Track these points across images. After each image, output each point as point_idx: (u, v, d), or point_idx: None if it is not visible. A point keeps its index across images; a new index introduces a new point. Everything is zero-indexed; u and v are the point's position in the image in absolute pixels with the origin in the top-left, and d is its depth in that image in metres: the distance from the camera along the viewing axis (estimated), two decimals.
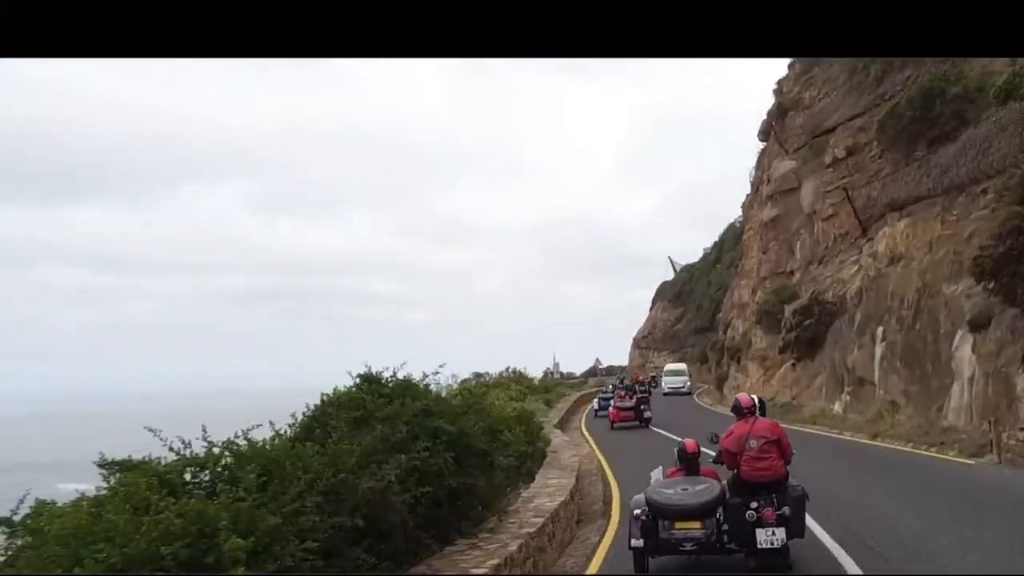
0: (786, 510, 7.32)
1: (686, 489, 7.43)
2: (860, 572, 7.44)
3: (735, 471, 7.73)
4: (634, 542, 7.40)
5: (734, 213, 66.48)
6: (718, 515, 7.42)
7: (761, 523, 7.23)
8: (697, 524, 7.29)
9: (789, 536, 7.34)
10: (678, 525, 7.31)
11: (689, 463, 7.89)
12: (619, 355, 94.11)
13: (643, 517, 7.36)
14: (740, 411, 7.97)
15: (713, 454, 8.42)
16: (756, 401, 8.31)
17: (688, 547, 7.36)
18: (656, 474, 8.24)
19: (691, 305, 75.98)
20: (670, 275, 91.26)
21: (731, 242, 65.41)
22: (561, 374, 75.67)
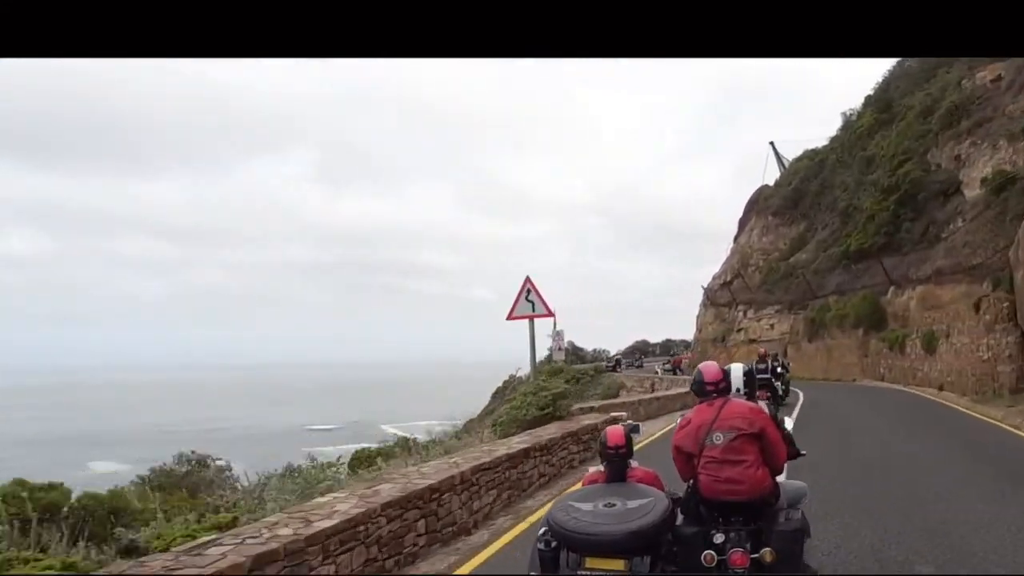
0: (767, 553, 4.53)
1: (612, 505, 4.66)
2: None
3: (690, 482, 5.01)
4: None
5: None
6: (662, 550, 4.64)
7: (724, 570, 4.57)
8: (620, 564, 4.48)
9: None
10: (589, 564, 4.52)
11: (612, 463, 5.07)
12: (687, 328, 64.50)
13: (541, 544, 4.70)
14: (702, 389, 5.08)
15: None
16: (741, 373, 5.67)
17: None
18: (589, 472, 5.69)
19: (821, 216, 44.59)
20: (773, 175, 58.38)
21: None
22: (576, 355, 58.23)
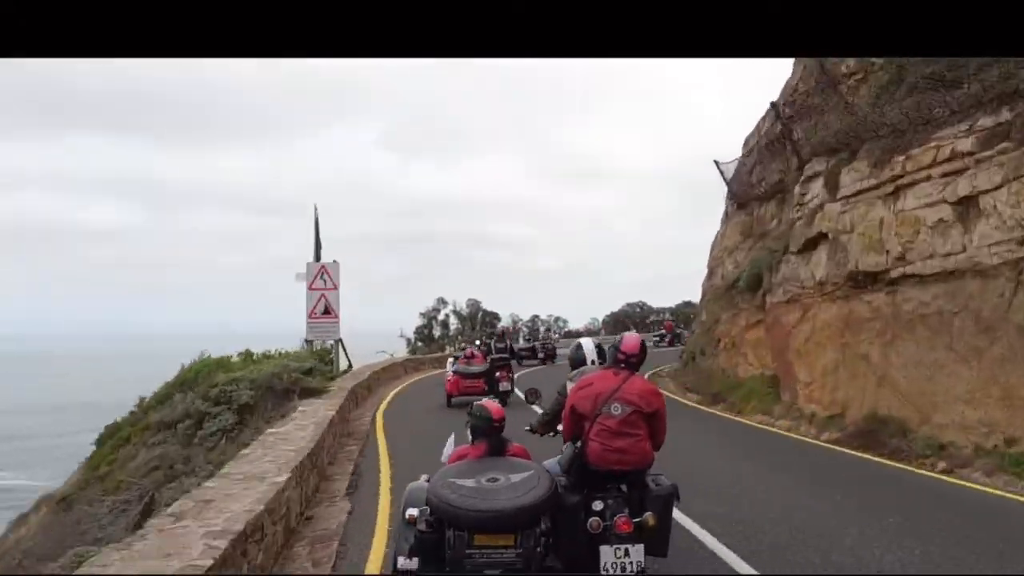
0: (650, 516, 4.66)
1: (495, 480, 4.56)
2: None
3: (575, 447, 5.05)
4: (403, 561, 4.61)
5: None
6: (544, 522, 4.59)
7: (608, 536, 4.62)
8: (509, 539, 4.40)
9: (649, 555, 4.76)
10: (478, 540, 4.40)
11: (492, 437, 5.03)
12: None
13: (422, 525, 4.49)
14: (614, 358, 5.14)
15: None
16: (593, 346, 5.78)
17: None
18: (447, 449, 5.47)
19: None
20: None
21: None
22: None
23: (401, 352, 40.51)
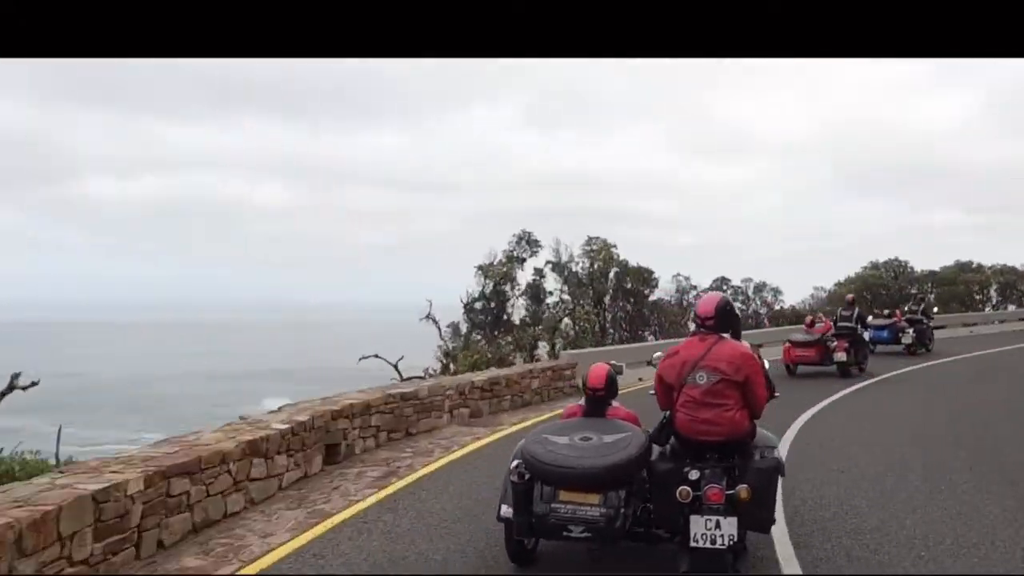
0: (743, 489, 4.42)
1: (588, 439, 4.74)
2: None
3: (666, 417, 4.88)
4: (504, 509, 4.84)
5: None
6: (635, 486, 4.70)
7: (699, 506, 4.46)
8: (594, 498, 4.54)
9: (745, 530, 4.61)
10: (563, 496, 4.59)
11: (592, 403, 5.21)
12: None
13: (515, 476, 4.74)
14: (697, 322, 4.93)
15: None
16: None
17: (577, 532, 4.55)
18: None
19: None
20: None
21: None
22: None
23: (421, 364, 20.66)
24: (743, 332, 5.46)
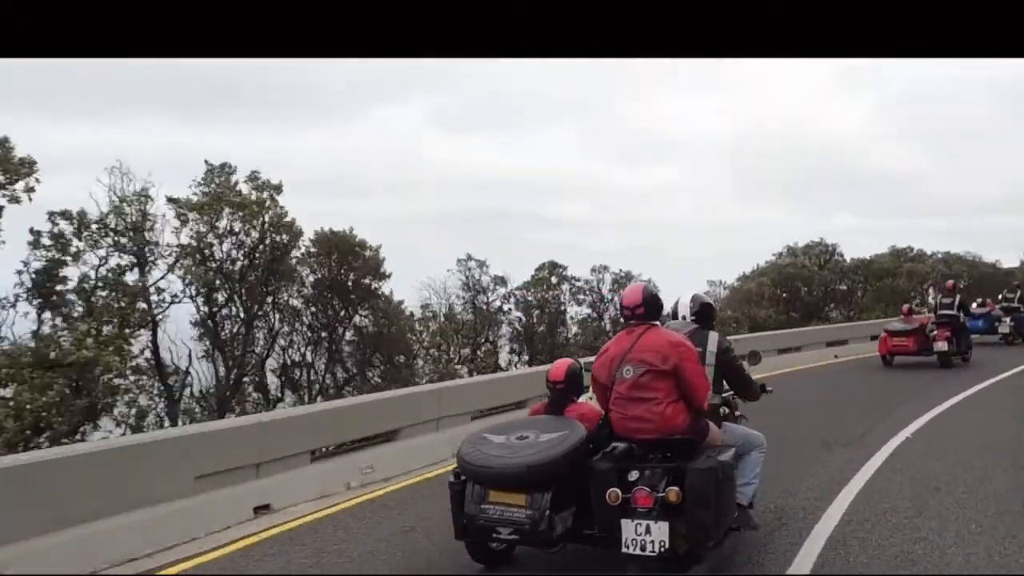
0: (671, 491, 4.07)
1: (524, 437, 4.51)
2: None
3: (603, 417, 4.65)
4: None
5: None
6: (568, 486, 4.38)
7: (628, 510, 4.13)
8: (521, 499, 4.32)
9: (680, 537, 4.09)
10: (492, 496, 4.41)
11: (552, 398, 5.05)
12: None
13: (451, 476, 4.70)
14: (622, 313, 4.63)
15: None
16: (689, 300, 5.04)
17: (505, 535, 4.38)
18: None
19: None
20: None
21: None
22: None
23: None
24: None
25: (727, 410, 5.21)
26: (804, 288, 29.53)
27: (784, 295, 28.47)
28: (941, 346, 15.02)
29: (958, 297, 16.34)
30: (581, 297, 25.89)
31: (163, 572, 5.12)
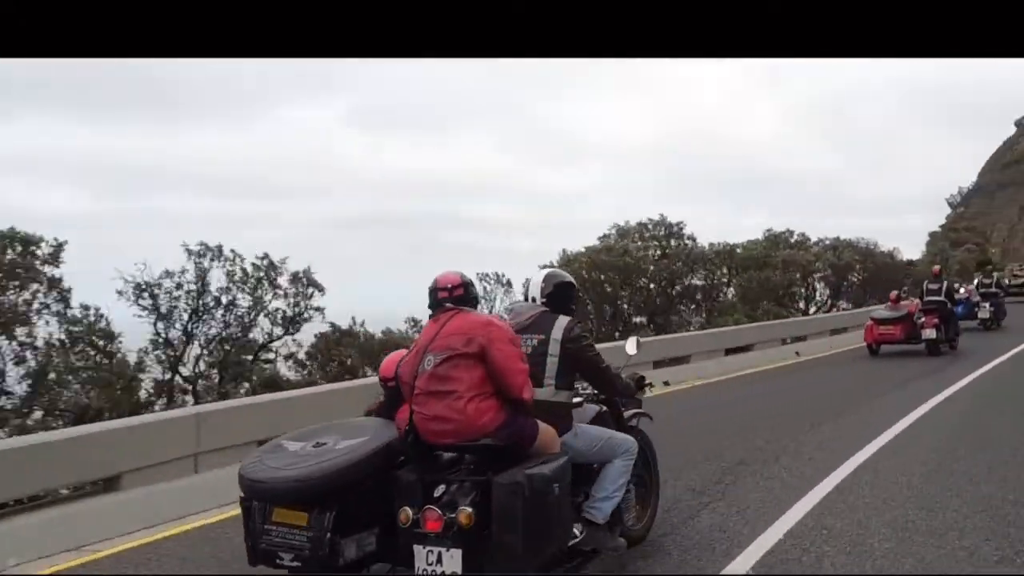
0: (462, 513, 3.31)
1: (321, 444, 3.72)
2: None
3: (411, 419, 3.79)
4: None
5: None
6: (359, 503, 3.60)
7: (418, 534, 3.39)
8: (303, 519, 3.52)
9: (479, 567, 3.36)
10: (276, 516, 3.59)
11: (386, 397, 4.18)
12: None
13: (241, 494, 3.74)
14: (434, 299, 3.78)
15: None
16: (541, 280, 4.25)
17: (287, 560, 3.50)
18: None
19: None
20: None
21: None
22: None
23: None
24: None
25: (633, 411, 4.66)
26: (609, 285, 21.41)
27: (607, 290, 21.36)
28: (929, 333, 14.71)
29: (945, 283, 16.03)
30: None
31: None
